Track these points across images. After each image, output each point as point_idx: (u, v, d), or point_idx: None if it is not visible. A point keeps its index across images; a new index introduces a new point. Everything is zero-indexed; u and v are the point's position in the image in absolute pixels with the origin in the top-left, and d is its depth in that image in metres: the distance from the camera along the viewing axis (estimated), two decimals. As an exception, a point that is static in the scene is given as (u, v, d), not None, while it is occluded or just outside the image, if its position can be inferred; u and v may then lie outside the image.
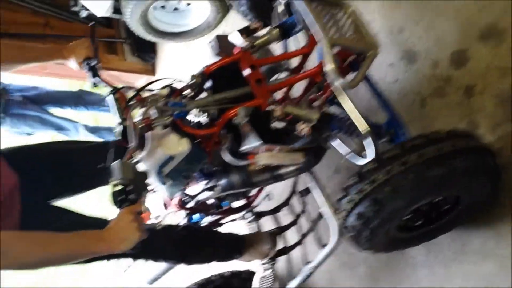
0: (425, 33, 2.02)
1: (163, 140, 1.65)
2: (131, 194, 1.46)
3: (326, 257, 1.94)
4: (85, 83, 3.84)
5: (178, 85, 1.72)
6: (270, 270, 2.20)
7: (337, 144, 1.93)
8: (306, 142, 1.70)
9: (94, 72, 1.77)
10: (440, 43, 1.95)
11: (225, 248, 2.20)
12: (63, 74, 3.99)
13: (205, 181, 2.06)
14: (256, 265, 2.30)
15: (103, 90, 1.82)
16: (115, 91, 1.71)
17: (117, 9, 3.34)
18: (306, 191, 2.07)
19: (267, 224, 2.32)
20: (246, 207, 2.34)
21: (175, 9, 3.53)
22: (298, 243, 2.12)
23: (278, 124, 1.58)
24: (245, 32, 1.76)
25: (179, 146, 1.64)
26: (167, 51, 4.16)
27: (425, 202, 1.57)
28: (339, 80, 1.45)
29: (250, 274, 2.53)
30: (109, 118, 4.29)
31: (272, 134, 1.67)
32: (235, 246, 2.20)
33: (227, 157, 1.71)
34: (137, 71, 4.16)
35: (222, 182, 1.96)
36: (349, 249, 2.25)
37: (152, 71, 4.24)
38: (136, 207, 1.46)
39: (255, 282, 2.29)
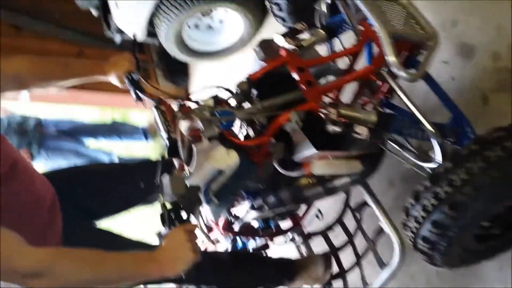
0: (482, 23, 1.88)
1: (211, 153, 1.52)
2: (182, 211, 1.33)
3: (389, 278, 1.76)
4: (116, 111, 3.82)
5: (223, 95, 1.61)
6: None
7: (394, 149, 1.77)
8: (364, 147, 1.56)
9: (137, 85, 1.68)
10: (500, 32, 1.80)
11: (274, 273, 2.03)
12: (95, 102, 3.98)
13: (251, 201, 1.94)
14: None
15: (145, 107, 1.72)
16: (159, 103, 1.61)
17: (150, 33, 3.32)
18: (361, 206, 1.90)
19: (319, 245, 2.15)
20: (294, 228, 2.19)
21: (209, 27, 3.50)
22: (356, 264, 1.94)
23: (334, 128, 1.44)
24: (290, 34, 1.65)
25: (228, 158, 1.51)
26: (199, 73, 4.13)
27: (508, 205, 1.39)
28: (402, 72, 1.32)
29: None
30: (142, 148, 4.29)
31: (325, 140, 1.54)
32: (285, 271, 2.04)
33: (279, 168, 1.58)
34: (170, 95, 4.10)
35: (270, 199, 1.82)
36: (410, 269, 2.07)
37: (186, 93, 4.19)
38: (189, 225, 1.33)
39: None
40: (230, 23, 3.43)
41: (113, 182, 1.78)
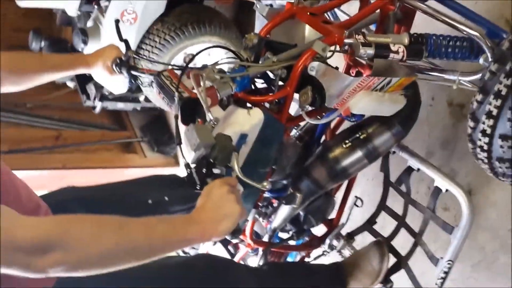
0: None
1: (230, 119, 1.31)
2: (215, 166, 1.08)
3: (461, 241, 1.47)
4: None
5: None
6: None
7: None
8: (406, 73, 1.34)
9: (130, 65, 1.48)
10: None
11: (323, 280, 1.71)
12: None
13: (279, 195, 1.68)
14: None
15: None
16: (160, 72, 1.41)
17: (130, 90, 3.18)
18: (406, 174, 1.65)
19: (365, 242, 1.84)
20: (331, 232, 1.89)
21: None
22: (415, 244, 1.63)
23: (367, 51, 1.25)
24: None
25: (251, 118, 1.29)
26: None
27: None
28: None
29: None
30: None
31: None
32: (335, 275, 1.72)
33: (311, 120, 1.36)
34: (159, 165, 3.92)
35: (303, 185, 1.57)
36: (476, 243, 1.78)
37: (176, 163, 3.99)
38: (228, 179, 1.07)
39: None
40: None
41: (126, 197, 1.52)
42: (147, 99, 3.44)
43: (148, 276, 1.29)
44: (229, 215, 1.01)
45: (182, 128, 1.18)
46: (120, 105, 3.52)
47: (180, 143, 1.15)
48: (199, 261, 1.49)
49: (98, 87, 3.32)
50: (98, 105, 3.40)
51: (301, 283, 1.68)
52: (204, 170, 1.08)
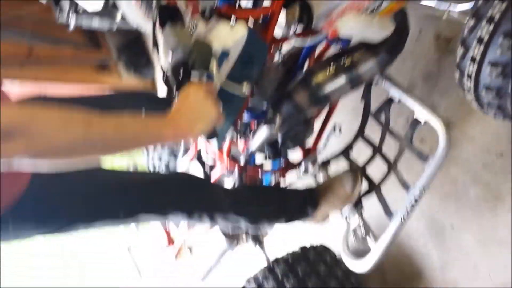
0: None
1: (211, 34, 1.26)
2: (193, 69, 1.05)
3: (434, 171, 1.50)
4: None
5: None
6: (359, 219, 1.73)
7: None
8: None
9: None
10: None
11: (295, 201, 1.73)
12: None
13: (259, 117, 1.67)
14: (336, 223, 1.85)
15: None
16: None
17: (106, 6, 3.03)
18: (385, 105, 1.65)
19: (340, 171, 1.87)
20: (307, 157, 1.90)
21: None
22: (389, 172, 1.66)
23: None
24: None
25: (234, 34, 1.24)
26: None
27: None
28: None
29: (325, 248, 2.06)
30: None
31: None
32: (308, 196, 1.74)
33: (296, 42, 1.32)
34: (136, 87, 3.81)
35: (284, 108, 1.55)
36: (450, 173, 1.83)
37: (153, 85, 3.90)
38: (205, 83, 1.06)
39: (344, 240, 1.82)
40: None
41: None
42: (123, 20, 3.30)
43: (122, 188, 1.30)
44: (204, 116, 1.02)
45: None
46: (96, 23, 3.36)
47: (156, 44, 1.11)
48: (175, 177, 1.49)
49: (73, 2, 3.15)
50: (73, 20, 3.24)
51: (274, 204, 1.70)
52: (181, 73, 1.05)
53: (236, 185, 1.76)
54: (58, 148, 0.85)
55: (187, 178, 1.53)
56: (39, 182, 1.10)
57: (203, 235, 2.09)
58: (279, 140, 1.72)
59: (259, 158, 1.86)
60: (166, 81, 1.08)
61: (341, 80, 1.46)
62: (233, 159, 1.75)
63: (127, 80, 3.80)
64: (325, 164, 1.88)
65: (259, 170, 1.85)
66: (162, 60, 1.09)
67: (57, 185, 1.15)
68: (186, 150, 2.12)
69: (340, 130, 1.78)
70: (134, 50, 4.03)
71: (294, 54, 1.66)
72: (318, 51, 1.67)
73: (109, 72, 3.78)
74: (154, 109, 1.48)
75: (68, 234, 1.26)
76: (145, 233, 2.32)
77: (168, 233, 2.15)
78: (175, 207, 1.40)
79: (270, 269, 1.89)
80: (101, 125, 0.90)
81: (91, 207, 1.23)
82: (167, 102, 1.13)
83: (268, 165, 1.89)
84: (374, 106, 1.71)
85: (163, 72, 1.08)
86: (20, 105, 0.91)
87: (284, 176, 1.96)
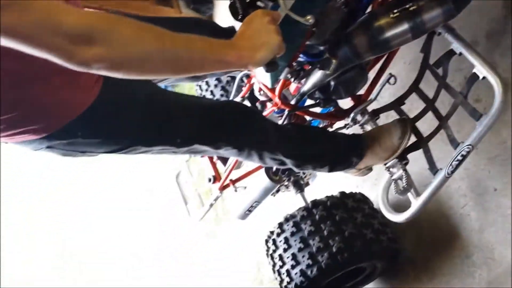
0: None
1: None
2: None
3: (486, 128, 1.49)
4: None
5: None
6: (402, 171, 1.74)
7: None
8: None
9: None
10: None
11: (341, 148, 1.76)
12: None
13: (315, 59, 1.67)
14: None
15: None
16: None
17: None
18: (446, 57, 1.62)
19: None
20: (358, 105, 1.89)
21: None
22: (439, 127, 1.65)
23: None
24: None
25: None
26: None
27: None
28: None
29: (364, 196, 2.10)
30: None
31: None
32: (354, 145, 1.77)
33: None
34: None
35: (340, 52, 1.56)
36: (498, 138, 1.80)
37: (211, 21, 3.94)
38: (271, 11, 1.08)
39: (383, 191, 1.85)
40: None
41: None
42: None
43: (183, 112, 1.36)
44: (267, 44, 1.04)
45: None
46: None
47: None
48: (229, 104, 1.55)
49: None
50: None
51: (320, 144, 1.74)
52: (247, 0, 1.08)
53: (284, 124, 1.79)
54: (133, 60, 0.90)
55: (241, 105, 1.60)
56: (107, 98, 1.17)
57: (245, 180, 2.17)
58: (331, 86, 1.73)
59: (309, 103, 1.87)
60: (233, 6, 1.10)
61: (404, 26, 1.45)
62: (284, 100, 1.78)
63: (186, 15, 3.83)
64: (375, 115, 1.88)
65: (308, 115, 1.88)
66: None
67: (122, 104, 1.22)
68: (238, 90, 2.16)
69: (395, 81, 1.77)
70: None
71: (358, -5, 1.64)
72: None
73: (169, 5, 3.81)
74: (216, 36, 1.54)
75: (128, 154, 1.34)
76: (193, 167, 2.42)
77: (216, 170, 2.22)
78: (228, 139, 1.46)
79: (308, 210, 1.95)
80: (173, 41, 0.94)
81: (152, 130, 1.30)
82: (229, 33, 1.16)
83: (317, 111, 1.91)
84: (433, 60, 1.69)
85: None
86: (101, 12, 0.96)
87: (332, 124, 1.98)
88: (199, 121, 1.40)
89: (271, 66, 1.09)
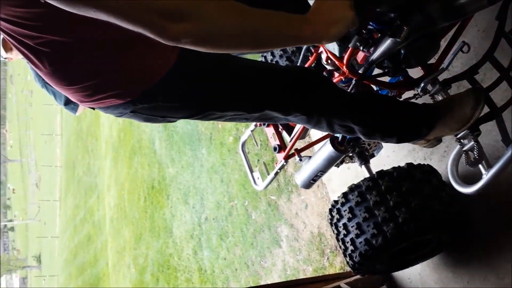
0: None
1: None
2: None
3: None
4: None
5: None
6: (474, 142, 1.69)
7: None
8: None
9: None
10: None
11: (411, 118, 1.73)
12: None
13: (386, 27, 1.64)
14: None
15: None
16: None
17: None
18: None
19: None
20: (428, 74, 1.85)
21: None
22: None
23: None
24: None
25: None
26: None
27: None
28: None
29: (432, 168, 2.06)
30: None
31: None
32: (425, 114, 1.73)
33: None
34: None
35: (412, 19, 1.52)
36: None
37: None
38: None
39: (453, 162, 1.82)
40: None
41: None
42: None
43: (255, 70, 1.40)
44: (341, 19, 1.05)
45: None
46: None
47: None
48: (301, 70, 1.58)
49: None
50: None
51: (389, 113, 1.72)
52: None
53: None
54: (217, 35, 0.95)
55: (314, 72, 1.64)
56: (183, 64, 1.24)
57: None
58: (401, 54, 1.69)
59: (377, 72, 1.85)
60: None
61: (482, -11, 1.39)
62: (352, 69, 1.77)
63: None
64: (446, 85, 1.83)
65: (376, 84, 1.85)
66: None
67: (197, 69, 1.28)
68: (304, 60, 2.16)
69: (468, 49, 1.71)
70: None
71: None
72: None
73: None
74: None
75: (204, 120, 1.40)
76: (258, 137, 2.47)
77: (281, 139, 2.26)
78: (299, 104, 1.48)
79: (374, 180, 1.95)
80: (252, 15, 0.98)
81: (226, 93, 1.36)
82: (303, 8, 1.16)
83: (386, 80, 1.88)
84: (508, 28, 1.62)
85: None
86: None
87: (401, 94, 1.95)
88: (271, 84, 1.44)
89: (344, 41, 1.09)
